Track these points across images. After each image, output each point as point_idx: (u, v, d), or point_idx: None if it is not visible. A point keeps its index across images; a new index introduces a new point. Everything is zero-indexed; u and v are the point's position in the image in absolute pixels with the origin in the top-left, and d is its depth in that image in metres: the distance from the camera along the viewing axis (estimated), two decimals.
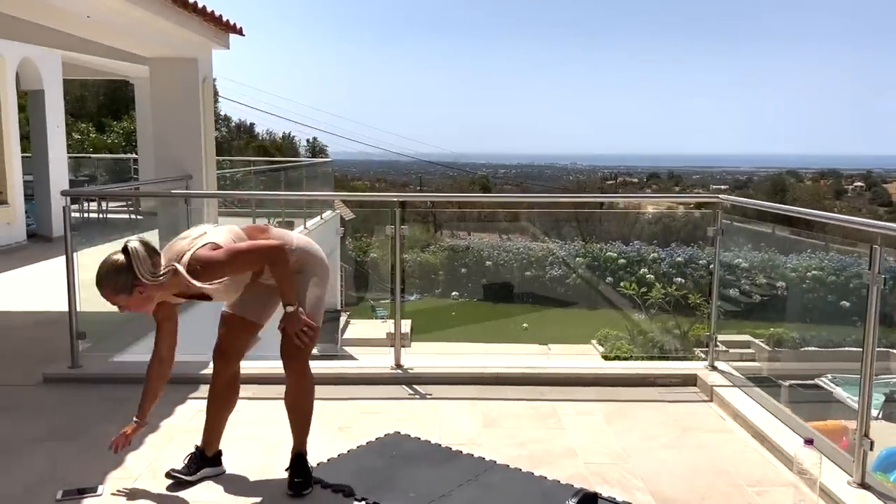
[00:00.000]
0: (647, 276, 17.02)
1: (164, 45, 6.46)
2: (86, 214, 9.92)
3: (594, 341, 13.67)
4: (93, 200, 10.45)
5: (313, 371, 3.04)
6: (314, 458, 3.15)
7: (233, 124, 34.48)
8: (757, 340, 11.90)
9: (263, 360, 4.16)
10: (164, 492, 3.01)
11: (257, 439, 3.54)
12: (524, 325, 15.30)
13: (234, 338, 3.05)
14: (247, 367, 3.29)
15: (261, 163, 18.71)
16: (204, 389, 3.19)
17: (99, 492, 2.97)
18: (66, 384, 4.32)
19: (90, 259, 4.87)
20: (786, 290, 14.87)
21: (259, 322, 3.09)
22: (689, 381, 4.36)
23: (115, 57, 9.17)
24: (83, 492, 2.97)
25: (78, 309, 4.48)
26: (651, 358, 11.37)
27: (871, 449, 2.94)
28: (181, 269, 2.64)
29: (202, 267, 2.65)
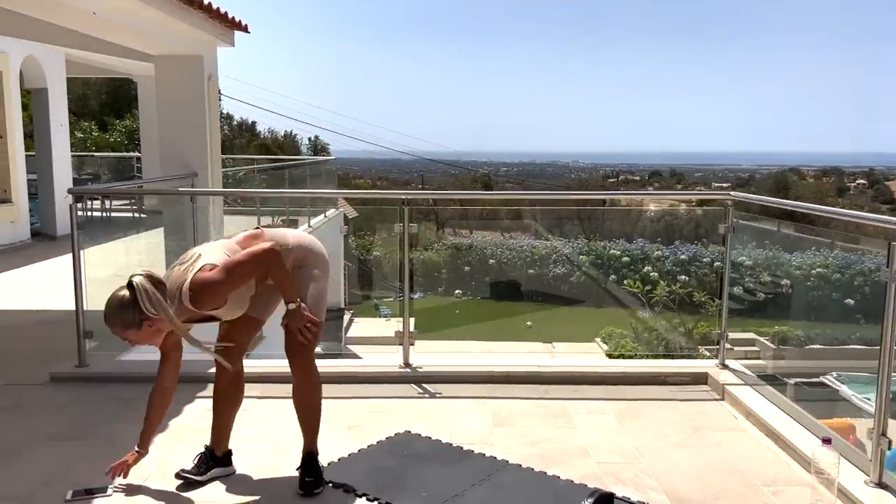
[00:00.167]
0: (651, 273, 17.00)
1: (171, 43, 6.43)
2: (89, 213, 9.90)
3: (598, 339, 13.63)
4: (96, 199, 10.44)
5: (321, 370, 3.02)
6: (324, 457, 3.12)
7: (234, 123, 34.49)
8: (762, 338, 11.88)
9: (270, 359, 4.15)
10: (174, 491, 2.99)
11: (267, 438, 3.51)
12: (528, 323, 15.27)
13: (236, 335, 3.02)
14: (254, 365, 3.28)
15: (263, 161, 18.70)
16: (211, 388, 3.17)
17: (108, 492, 2.95)
18: (73, 383, 4.30)
19: (95, 257, 4.87)
20: (790, 288, 14.85)
21: (261, 319, 3.07)
22: (700, 379, 4.33)
23: (118, 55, 9.15)
24: (93, 492, 2.94)
25: (85, 308, 4.45)
26: (657, 356, 11.34)
27: (889, 448, 2.91)
28: (186, 300, 2.64)
29: (203, 290, 2.65)
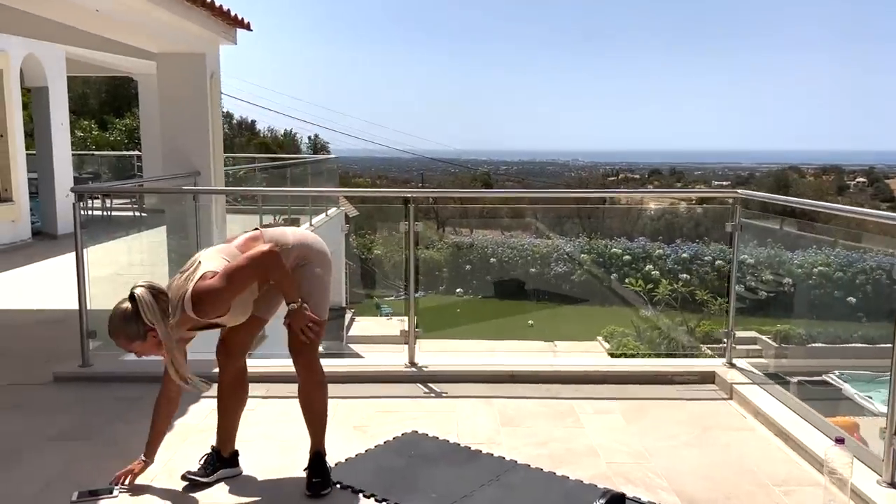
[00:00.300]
0: (653, 272, 16.98)
1: (173, 41, 6.40)
2: (90, 212, 9.87)
3: (600, 338, 13.59)
4: (97, 198, 10.41)
5: (326, 369, 3.00)
6: (331, 457, 3.10)
7: (234, 121, 34.41)
8: (764, 337, 11.86)
9: (275, 358, 4.12)
10: (180, 492, 2.97)
11: (273, 438, 3.49)
12: (529, 321, 15.24)
13: (237, 333, 2.99)
14: (258, 365, 3.25)
15: (264, 160, 18.67)
16: (216, 387, 3.14)
17: (114, 493, 2.92)
18: (77, 383, 4.27)
19: (96, 256, 4.83)
20: (793, 287, 14.84)
21: (263, 317, 3.04)
22: (708, 378, 4.31)
23: (119, 53, 9.12)
24: (98, 493, 2.92)
25: (88, 307, 4.42)
26: (659, 355, 11.32)
27: None
28: (189, 309, 2.63)
29: (205, 299, 2.63)
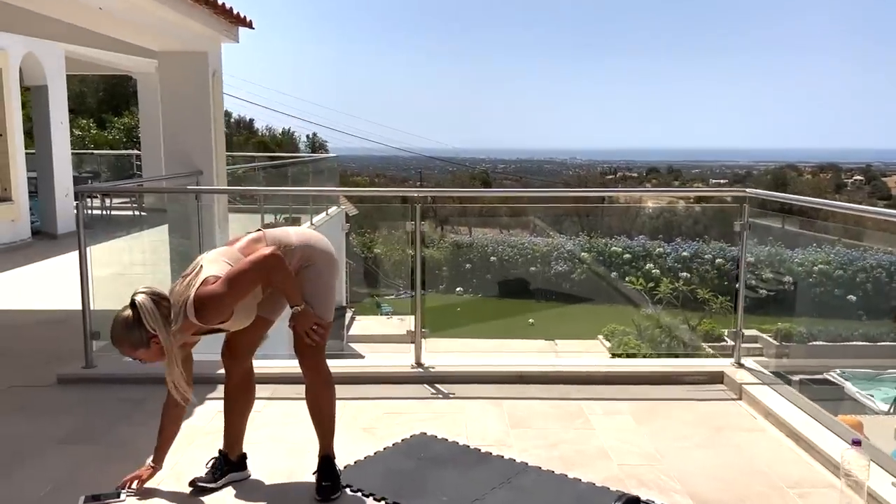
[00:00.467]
0: (653, 271, 16.98)
1: (176, 39, 6.36)
2: (89, 211, 9.82)
3: (601, 336, 13.56)
4: (96, 197, 10.36)
5: (332, 371, 2.97)
6: (339, 460, 3.05)
7: (232, 120, 34.30)
8: (765, 335, 11.84)
9: (279, 359, 4.09)
10: (188, 496, 2.93)
11: (281, 440, 3.46)
12: (530, 320, 15.22)
13: (243, 335, 2.95)
14: (262, 365, 3.21)
15: (264, 159, 18.61)
16: (221, 389, 3.11)
17: (122, 497, 2.89)
18: (81, 385, 4.23)
19: (97, 256, 4.78)
20: (793, 285, 14.84)
21: (269, 319, 3.00)
22: (717, 378, 4.28)
23: (119, 51, 9.06)
24: (104, 498, 2.88)
25: (91, 307, 4.38)
26: (661, 354, 11.30)
27: None
28: (191, 315, 2.59)
29: (208, 305, 2.59)
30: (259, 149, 28.40)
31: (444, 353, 4.57)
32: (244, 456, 3.10)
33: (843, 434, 3.34)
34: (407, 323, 4.63)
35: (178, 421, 2.99)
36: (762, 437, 3.58)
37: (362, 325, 15.23)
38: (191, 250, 5.79)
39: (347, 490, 2.95)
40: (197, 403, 3.81)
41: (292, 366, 3.01)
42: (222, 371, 3.08)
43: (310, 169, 14.89)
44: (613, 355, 12.01)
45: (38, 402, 4.02)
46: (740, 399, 4.04)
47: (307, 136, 37.19)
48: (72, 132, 14.14)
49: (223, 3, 6.44)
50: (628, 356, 11.33)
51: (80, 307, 4.39)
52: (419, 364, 4.39)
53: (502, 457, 3.28)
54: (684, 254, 18.04)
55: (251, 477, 3.08)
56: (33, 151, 10.51)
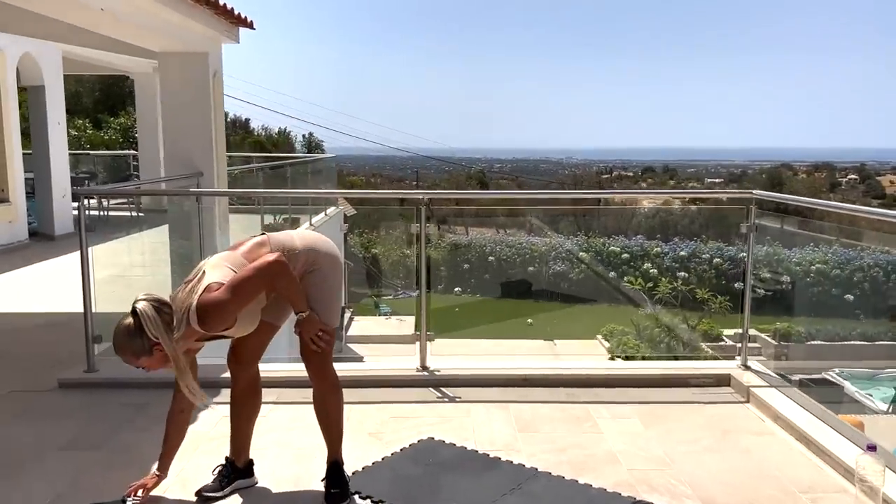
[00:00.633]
0: (651, 270, 16.99)
1: (176, 39, 6.31)
2: (86, 212, 9.76)
3: (600, 336, 13.57)
4: (93, 197, 10.30)
5: (339, 374, 2.93)
6: (347, 465, 3.02)
7: (228, 119, 34.21)
8: (763, 335, 11.85)
9: (284, 363, 4.06)
10: (193, 503, 2.90)
11: (287, 446, 3.42)
12: (529, 320, 15.21)
13: (248, 340, 2.91)
14: (267, 370, 3.18)
15: (261, 159, 18.55)
16: (227, 394, 3.07)
17: None
18: (82, 389, 4.19)
19: (96, 257, 4.73)
20: (791, 285, 14.85)
21: (275, 324, 2.96)
22: (723, 381, 4.26)
23: (118, 52, 9.00)
24: None
25: (93, 311, 4.34)
26: (660, 356, 11.29)
27: None
28: (194, 323, 2.55)
29: (211, 312, 2.55)
30: (255, 149, 28.32)
31: (448, 355, 4.53)
32: (251, 462, 3.06)
33: (852, 437, 3.32)
34: (407, 324, 4.60)
35: (183, 428, 2.95)
36: (772, 440, 3.56)
37: (361, 325, 15.20)
38: (191, 252, 5.75)
39: (356, 497, 2.92)
40: (201, 408, 3.77)
41: (297, 369, 2.98)
42: (227, 375, 3.05)
43: (308, 169, 14.85)
44: (613, 356, 12.00)
45: (39, 407, 3.97)
46: (748, 402, 4.02)
47: (303, 136, 37.10)
48: (68, 132, 14.08)
49: (224, 4, 6.40)
50: (627, 357, 11.33)
51: (80, 310, 4.35)
52: (424, 367, 4.35)
53: (511, 462, 3.25)
54: (682, 253, 18.06)
55: (258, 484, 3.05)
56: (30, 152, 10.44)
